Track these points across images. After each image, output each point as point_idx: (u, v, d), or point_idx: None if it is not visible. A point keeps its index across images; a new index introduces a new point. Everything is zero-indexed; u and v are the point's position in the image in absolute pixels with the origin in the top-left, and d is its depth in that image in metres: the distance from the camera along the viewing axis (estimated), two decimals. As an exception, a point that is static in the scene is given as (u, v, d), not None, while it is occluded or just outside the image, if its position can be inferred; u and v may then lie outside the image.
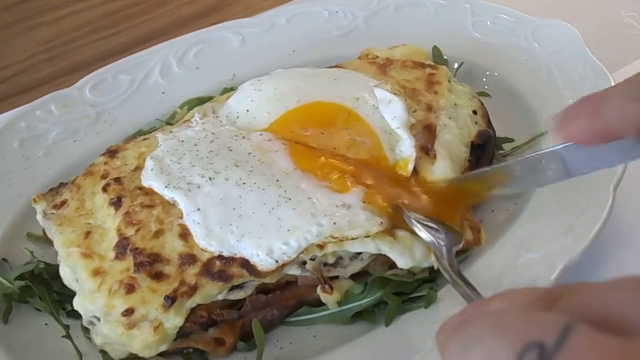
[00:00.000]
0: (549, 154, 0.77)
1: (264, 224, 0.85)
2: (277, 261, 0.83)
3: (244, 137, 0.97)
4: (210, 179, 0.90)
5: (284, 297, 0.88)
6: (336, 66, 1.12)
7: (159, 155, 0.96)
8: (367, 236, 0.84)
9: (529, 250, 0.86)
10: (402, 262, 0.85)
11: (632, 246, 0.95)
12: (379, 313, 0.87)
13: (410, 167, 0.93)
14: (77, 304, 0.85)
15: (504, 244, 0.89)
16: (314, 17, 1.29)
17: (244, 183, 0.88)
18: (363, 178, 0.89)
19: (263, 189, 0.87)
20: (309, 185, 0.88)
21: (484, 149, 1.01)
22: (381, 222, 0.85)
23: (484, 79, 1.17)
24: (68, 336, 0.86)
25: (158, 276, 0.83)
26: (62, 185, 1.01)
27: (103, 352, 0.85)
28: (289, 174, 0.89)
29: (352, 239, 0.84)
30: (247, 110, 1.01)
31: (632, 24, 1.36)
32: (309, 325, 0.89)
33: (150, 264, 0.84)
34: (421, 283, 0.88)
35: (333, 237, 0.84)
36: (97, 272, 0.86)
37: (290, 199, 0.86)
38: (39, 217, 0.97)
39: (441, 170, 0.93)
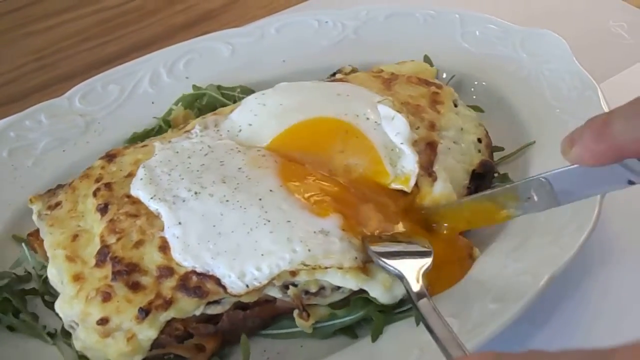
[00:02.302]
0: (537, 182, 0.77)
1: (241, 244, 0.84)
2: (247, 286, 0.83)
3: (239, 151, 0.96)
4: (195, 193, 0.90)
5: (262, 314, 0.87)
6: (341, 80, 1.12)
7: (152, 164, 0.96)
8: (340, 268, 0.83)
9: (516, 260, 0.86)
10: (384, 299, 0.84)
11: (619, 255, 0.95)
12: (366, 326, 0.86)
13: (412, 182, 0.93)
14: (58, 307, 0.86)
15: (491, 254, 0.89)
16: (304, 27, 1.30)
17: (227, 200, 0.88)
18: (347, 202, 0.89)
19: (244, 208, 0.87)
20: (290, 206, 0.87)
21: (483, 179, 1.00)
22: (355, 258, 0.84)
23: (472, 89, 1.18)
24: (57, 344, 0.88)
25: (135, 286, 0.83)
26: (59, 186, 1.02)
27: (83, 358, 0.85)
28: (273, 192, 0.89)
29: (325, 268, 0.83)
30: (250, 125, 1.01)
31: (621, 34, 1.37)
32: (290, 338, 0.88)
33: (127, 273, 0.84)
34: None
35: (305, 265, 0.83)
36: (77, 278, 0.86)
37: (269, 221, 0.85)
38: (34, 217, 0.98)
39: (441, 190, 0.93)
